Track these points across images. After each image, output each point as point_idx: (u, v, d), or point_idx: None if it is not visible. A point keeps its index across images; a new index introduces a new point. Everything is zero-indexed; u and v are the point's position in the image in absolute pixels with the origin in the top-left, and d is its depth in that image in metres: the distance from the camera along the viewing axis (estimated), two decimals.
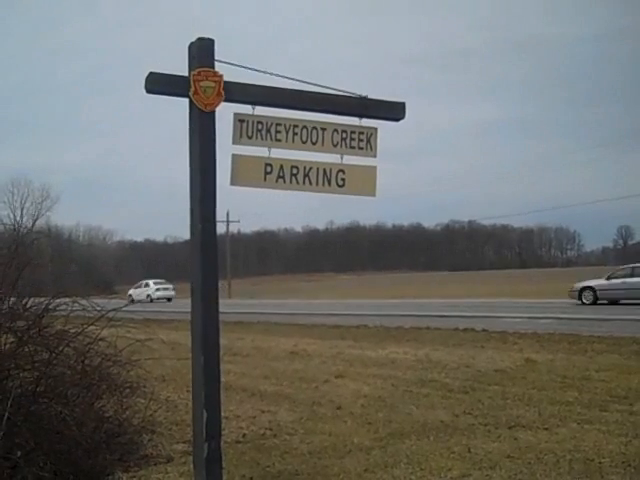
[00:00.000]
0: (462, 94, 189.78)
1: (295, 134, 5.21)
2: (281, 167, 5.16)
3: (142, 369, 7.24)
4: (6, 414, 5.22)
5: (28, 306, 6.82)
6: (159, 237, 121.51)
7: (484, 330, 17.46)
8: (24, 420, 5.57)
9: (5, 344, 6.43)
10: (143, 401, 7.13)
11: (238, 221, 74.98)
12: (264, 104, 5.10)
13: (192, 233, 5.00)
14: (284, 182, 5.19)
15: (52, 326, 6.67)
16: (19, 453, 5.24)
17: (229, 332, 16.45)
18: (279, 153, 5.17)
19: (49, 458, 5.37)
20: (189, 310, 5.09)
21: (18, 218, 67.71)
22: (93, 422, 6.20)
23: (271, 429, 7.41)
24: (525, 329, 17.43)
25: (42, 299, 6.75)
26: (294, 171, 5.21)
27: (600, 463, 5.92)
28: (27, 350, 6.49)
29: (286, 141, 5.19)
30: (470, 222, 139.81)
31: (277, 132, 5.15)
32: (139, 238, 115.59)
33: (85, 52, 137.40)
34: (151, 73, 4.76)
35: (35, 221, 65.40)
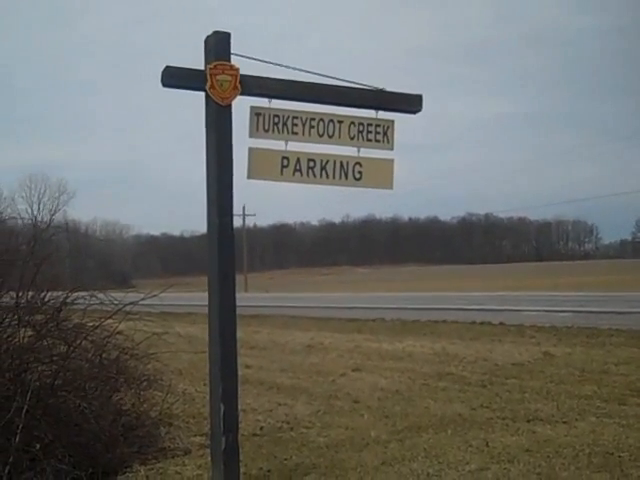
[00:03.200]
0: (479, 87, 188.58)
1: (312, 127, 5.19)
2: (298, 160, 5.15)
3: (159, 362, 7.27)
4: (25, 407, 5.26)
5: (46, 300, 6.86)
6: (175, 231, 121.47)
7: (501, 323, 17.36)
8: (43, 413, 5.61)
9: (24, 337, 6.47)
10: (160, 394, 7.17)
11: (254, 215, 74.73)
12: (280, 97, 5.07)
13: (209, 227, 5.00)
14: (301, 175, 5.17)
15: (70, 320, 6.73)
16: (38, 446, 5.27)
17: (246, 325, 16.49)
18: (296, 146, 5.16)
19: (68, 451, 5.40)
20: (206, 303, 5.09)
21: (36, 213, 68.02)
22: (111, 415, 6.24)
23: (288, 422, 7.41)
24: (542, 322, 17.30)
25: (60, 293, 6.79)
26: (311, 164, 5.19)
27: (620, 457, 5.87)
28: (45, 343, 6.54)
29: (303, 134, 5.17)
30: (487, 215, 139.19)
31: (294, 125, 5.13)
32: (156, 232, 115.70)
33: (102, 47, 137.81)
34: (167, 67, 4.75)
35: (52, 216, 65.70)
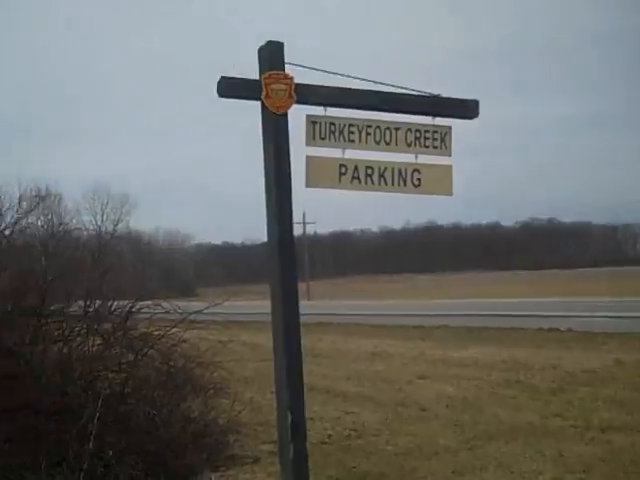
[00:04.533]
0: (541, 89, 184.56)
1: (368, 134, 5.17)
2: (355, 168, 5.13)
3: (225, 370, 7.31)
4: (97, 414, 5.33)
5: (113, 309, 6.97)
6: (237, 240, 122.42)
7: (570, 330, 16.97)
8: (114, 420, 5.68)
9: (93, 346, 6.59)
10: (227, 402, 7.20)
11: (314, 222, 74.85)
12: (335, 105, 5.06)
13: (269, 235, 4.99)
14: (359, 183, 5.15)
15: (136, 329, 6.81)
16: (111, 452, 5.34)
17: (309, 333, 16.47)
18: (353, 154, 5.14)
19: (139, 457, 5.45)
20: (269, 312, 5.08)
21: (100, 224, 69.42)
22: (180, 423, 6.28)
23: (356, 430, 7.36)
24: (612, 328, 16.84)
25: (126, 302, 6.89)
26: (369, 171, 5.17)
27: None
28: (114, 352, 6.64)
29: (359, 142, 5.15)
30: (550, 220, 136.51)
31: (350, 133, 5.12)
32: (217, 241, 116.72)
33: (155, 58, 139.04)
34: (223, 77, 4.78)
35: (116, 226, 66.97)
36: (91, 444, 5.18)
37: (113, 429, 5.55)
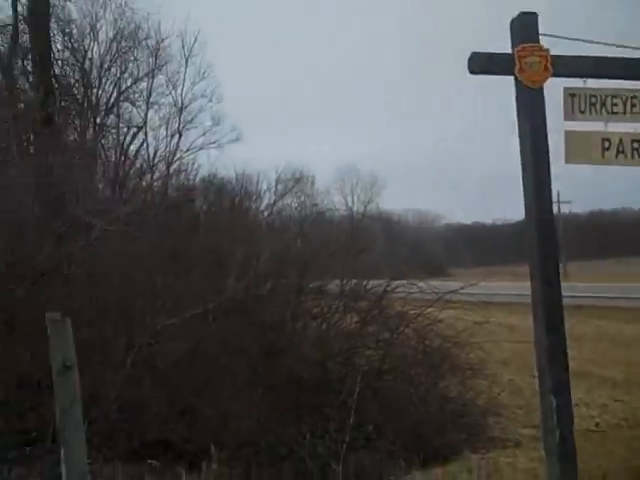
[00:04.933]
0: None
1: (634, 106, 4.78)
2: (620, 141, 4.73)
3: (482, 351, 7.14)
4: (357, 389, 5.44)
5: (368, 288, 7.10)
6: (487, 219, 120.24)
7: None
8: (372, 396, 5.77)
9: (350, 323, 6.75)
10: (485, 383, 7.02)
11: (570, 202, 71.27)
12: (595, 76, 4.70)
13: (527, 215, 4.74)
14: (625, 158, 4.75)
15: (392, 307, 6.86)
16: (371, 427, 5.43)
17: (568, 316, 15.56)
18: (617, 127, 4.73)
19: (397, 433, 5.48)
20: (523, 293, 4.85)
21: (350, 204, 71.68)
22: (437, 401, 6.26)
23: (627, 419, 6.86)
24: None
25: (380, 281, 6.97)
26: (635, 145, 4.75)
27: None
28: (370, 330, 6.77)
29: (624, 113, 4.76)
30: None
31: (613, 105, 4.75)
32: (467, 221, 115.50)
33: (403, 35, 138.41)
34: (474, 53, 4.61)
35: (366, 207, 68.80)
36: (352, 418, 5.30)
37: (372, 404, 5.64)
